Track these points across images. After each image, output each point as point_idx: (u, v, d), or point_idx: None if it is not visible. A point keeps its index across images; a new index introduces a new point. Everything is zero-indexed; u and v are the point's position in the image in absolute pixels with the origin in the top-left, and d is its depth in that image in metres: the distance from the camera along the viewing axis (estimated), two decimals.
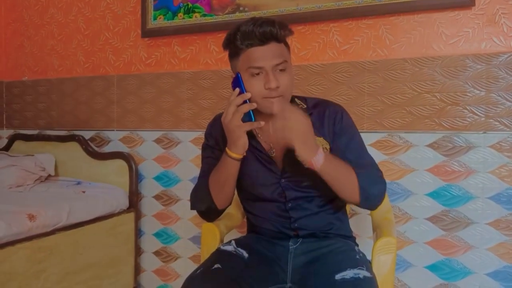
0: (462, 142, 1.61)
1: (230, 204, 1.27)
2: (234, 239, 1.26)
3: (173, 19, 2.06)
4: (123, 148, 2.25)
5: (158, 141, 2.17)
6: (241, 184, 1.26)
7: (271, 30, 1.10)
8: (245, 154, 1.16)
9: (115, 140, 2.27)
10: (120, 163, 2.15)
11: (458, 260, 1.62)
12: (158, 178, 2.18)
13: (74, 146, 2.25)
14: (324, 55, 1.81)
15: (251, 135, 1.19)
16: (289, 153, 1.14)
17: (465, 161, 1.60)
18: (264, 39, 1.10)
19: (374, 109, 1.72)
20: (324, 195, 1.21)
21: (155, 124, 2.17)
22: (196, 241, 2.09)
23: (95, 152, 2.23)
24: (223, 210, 1.30)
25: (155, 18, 2.10)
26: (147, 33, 2.13)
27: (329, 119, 1.19)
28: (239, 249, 1.21)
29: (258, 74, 1.11)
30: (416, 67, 1.66)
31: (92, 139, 2.32)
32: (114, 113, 2.27)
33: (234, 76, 1.16)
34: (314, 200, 1.21)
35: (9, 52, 2.60)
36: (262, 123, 1.13)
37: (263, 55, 1.11)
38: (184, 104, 2.10)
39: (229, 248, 1.21)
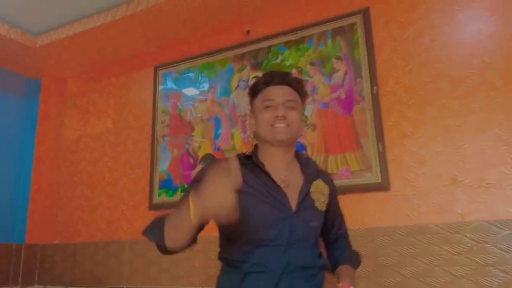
0: None
1: (183, 250, 1.16)
2: None
3: (172, 196, 2.60)
4: None
5: None
6: (239, 228, 1.18)
7: (288, 78, 1.33)
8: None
9: None
10: None
11: None
12: None
13: None
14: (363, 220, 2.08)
15: (262, 172, 1.27)
16: (305, 188, 1.29)
17: None
18: (279, 82, 1.32)
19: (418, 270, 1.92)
20: (317, 236, 1.33)
21: (156, 281, 2.57)
22: None
23: None
24: (175, 251, 1.17)
25: (159, 195, 2.65)
26: (153, 206, 2.67)
27: (329, 182, 1.39)
28: None
29: (270, 106, 1.28)
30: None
31: None
32: (125, 272, 2.69)
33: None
34: (309, 240, 1.28)
35: (45, 220, 3.16)
36: None
37: (277, 91, 1.30)
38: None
39: None
